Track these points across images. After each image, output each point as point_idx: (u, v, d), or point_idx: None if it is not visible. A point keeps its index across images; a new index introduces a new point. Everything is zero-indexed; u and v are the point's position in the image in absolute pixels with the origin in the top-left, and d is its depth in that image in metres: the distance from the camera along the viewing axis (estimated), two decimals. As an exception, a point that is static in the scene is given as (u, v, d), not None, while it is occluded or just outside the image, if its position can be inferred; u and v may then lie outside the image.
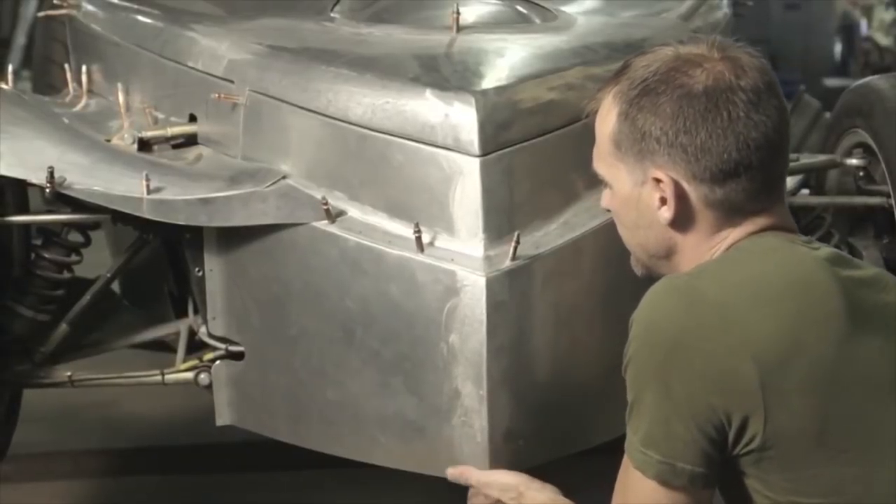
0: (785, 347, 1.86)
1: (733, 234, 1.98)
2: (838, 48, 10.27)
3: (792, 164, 3.50)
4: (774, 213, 1.98)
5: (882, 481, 1.88)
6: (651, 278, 2.04)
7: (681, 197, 1.94)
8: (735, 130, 1.90)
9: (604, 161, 2.03)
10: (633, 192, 1.99)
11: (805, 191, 3.67)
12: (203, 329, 3.23)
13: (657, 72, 1.94)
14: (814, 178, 3.79)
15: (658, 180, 1.94)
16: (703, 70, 1.92)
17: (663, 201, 1.96)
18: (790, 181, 3.54)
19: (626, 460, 1.98)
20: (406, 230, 2.91)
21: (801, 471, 1.87)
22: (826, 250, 1.99)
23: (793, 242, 1.98)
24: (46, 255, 3.41)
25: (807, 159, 3.64)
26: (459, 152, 2.87)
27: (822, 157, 3.68)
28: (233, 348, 3.18)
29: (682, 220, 1.96)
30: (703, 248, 1.98)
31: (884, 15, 10.92)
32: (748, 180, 1.93)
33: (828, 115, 5.40)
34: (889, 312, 1.95)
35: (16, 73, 3.80)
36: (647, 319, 1.91)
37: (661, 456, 1.90)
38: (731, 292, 1.88)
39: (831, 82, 9.35)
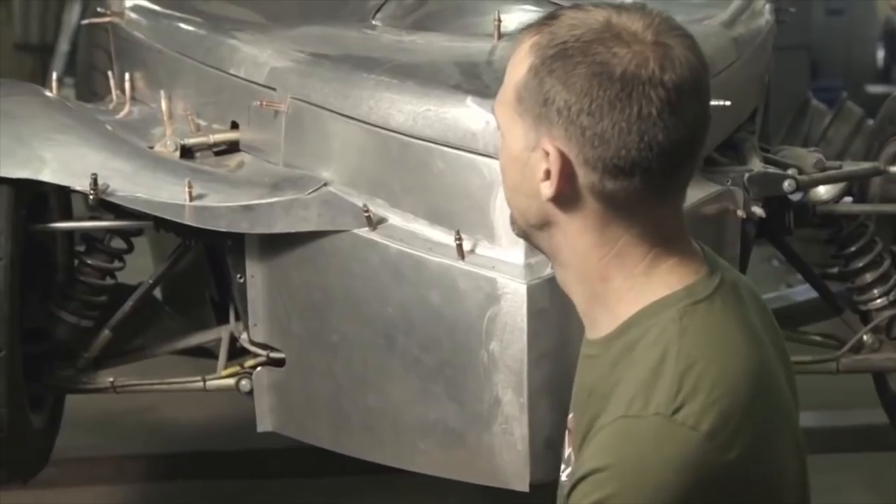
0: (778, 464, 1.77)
1: (643, 254, 1.78)
2: (881, 54, 10.19)
3: (835, 172, 3.49)
4: (668, 223, 1.80)
5: None
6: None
7: (566, 177, 1.76)
8: (640, 129, 1.72)
9: (504, 109, 1.83)
10: (522, 153, 1.80)
11: (848, 199, 3.64)
12: (244, 335, 3.24)
13: (580, 38, 1.75)
14: (857, 186, 3.77)
15: (547, 152, 1.76)
16: (630, 52, 1.73)
17: (547, 175, 1.77)
18: (833, 189, 3.52)
19: None
20: (447, 237, 2.92)
21: None
22: (749, 296, 1.84)
23: (738, 301, 1.81)
24: (90, 262, 3.43)
25: (850, 167, 3.62)
26: (500, 159, 2.87)
27: (865, 165, 3.66)
28: (274, 355, 3.19)
29: (564, 200, 1.78)
30: (589, 240, 1.79)
31: (927, 21, 10.85)
32: (642, 182, 1.74)
33: (871, 122, 5.39)
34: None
35: (60, 80, 3.83)
36: (637, 477, 1.69)
37: None
38: (712, 413, 1.71)
39: (874, 89, 9.26)
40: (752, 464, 1.73)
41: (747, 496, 1.73)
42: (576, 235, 1.80)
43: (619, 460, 1.70)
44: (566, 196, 1.78)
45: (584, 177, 1.76)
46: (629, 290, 1.79)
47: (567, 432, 1.92)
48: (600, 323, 1.82)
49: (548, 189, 1.78)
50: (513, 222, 1.89)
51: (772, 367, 1.80)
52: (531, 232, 1.86)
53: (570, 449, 1.89)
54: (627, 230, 1.78)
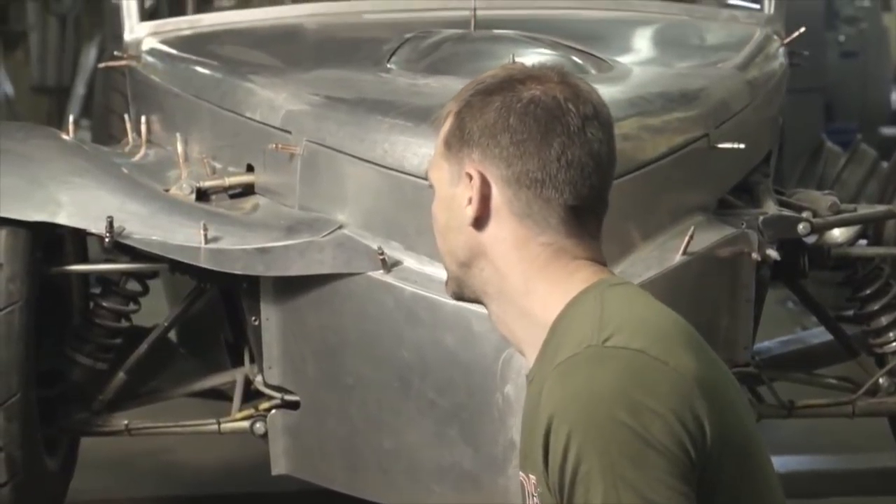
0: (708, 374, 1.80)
1: (563, 266, 1.88)
2: (895, 97, 10.21)
3: (849, 215, 3.49)
4: (586, 244, 1.90)
5: None
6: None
7: (485, 197, 1.89)
8: (549, 142, 1.86)
9: (434, 163, 1.97)
10: (448, 191, 1.93)
11: (863, 241, 3.64)
12: (259, 378, 3.25)
13: (496, 76, 1.93)
14: (872, 229, 3.77)
15: (469, 177, 1.90)
16: (540, 85, 1.90)
17: (470, 201, 1.90)
18: (848, 231, 3.52)
19: None
20: (462, 280, 2.91)
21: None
22: None
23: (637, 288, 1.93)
24: (105, 304, 3.43)
25: (865, 210, 3.61)
26: (515, 202, 2.88)
27: (880, 208, 3.66)
28: (288, 397, 3.18)
29: (486, 222, 1.90)
30: (512, 259, 1.90)
31: (941, 63, 10.86)
32: (554, 195, 1.87)
33: (885, 164, 5.39)
34: None
35: (76, 123, 3.84)
36: (583, 402, 1.73)
37: None
38: (641, 337, 1.78)
39: (888, 131, 9.27)
40: (695, 372, 1.77)
41: (700, 402, 1.75)
42: (500, 258, 1.90)
43: (563, 398, 1.75)
44: (487, 217, 1.90)
45: (501, 194, 1.89)
46: (552, 295, 1.88)
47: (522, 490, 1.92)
48: (534, 343, 1.88)
49: (471, 211, 1.89)
50: (447, 282, 1.99)
51: (696, 334, 1.85)
52: (463, 275, 1.95)
53: None
54: (546, 246, 1.89)
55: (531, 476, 1.86)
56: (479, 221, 1.90)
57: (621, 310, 1.83)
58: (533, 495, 1.87)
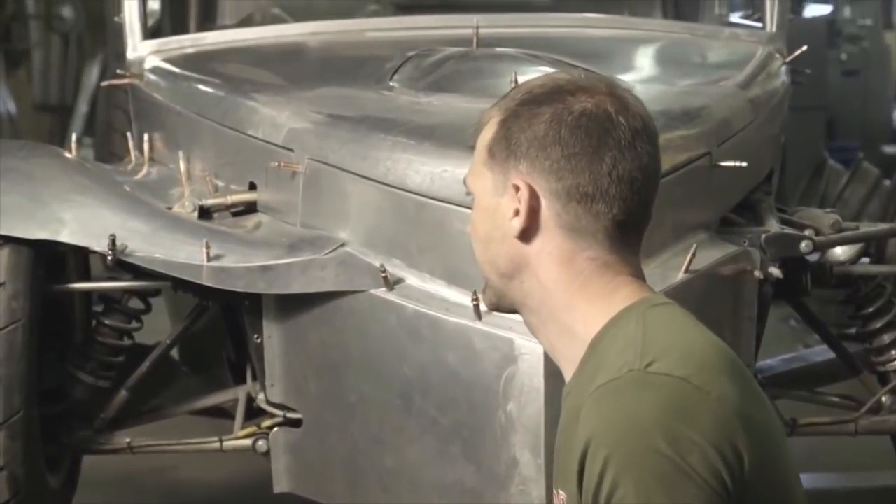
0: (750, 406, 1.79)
1: (605, 283, 1.86)
2: (897, 115, 10.22)
3: (851, 233, 3.49)
4: (628, 260, 1.89)
5: None
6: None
7: (534, 209, 1.87)
8: (600, 156, 1.85)
9: (473, 171, 1.94)
10: (492, 201, 1.91)
11: (865, 259, 3.64)
12: (261, 396, 3.25)
13: (545, 86, 1.90)
14: (874, 247, 3.77)
15: (517, 188, 1.87)
16: (591, 98, 1.88)
17: (517, 213, 1.87)
18: (850, 249, 3.52)
19: None
20: (464, 298, 2.92)
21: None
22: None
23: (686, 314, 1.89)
24: (107, 322, 3.44)
25: (867, 228, 3.61)
26: (517, 220, 2.88)
27: (882, 226, 3.66)
28: (291, 415, 3.19)
29: (532, 234, 1.88)
30: (556, 274, 1.88)
31: (943, 82, 10.85)
32: (604, 209, 1.86)
33: (887, 182, 5.40)
34: None
35: (79, 141, 3.85)
36: (622, 428, 1.72)
37: None
38: (684, 365, 1.77)
39: (890, 149, 9.28)
40: (736, 403, 1.75)
41: (740, 433, 1.74)
42: (544, 272, 1.88)
43: (602, 422, 1.73)
44: (534, 229, 1.88)
45: (550, 207, 1.87)
46: (593, 313, 1.86)
47: None
48: (573, 358, 1.87)
49: (517, 223, 1.87)
50: (485, 290, 1.96)
51: (738, 360, 1.84)
52: (504, 286, 1.92)
53: None
54: (591, 261, 1.87)
55: (562, 493, 1.85)
56: (526, 234, 1.88)
57: (664, 334, 1.81)
58: None
